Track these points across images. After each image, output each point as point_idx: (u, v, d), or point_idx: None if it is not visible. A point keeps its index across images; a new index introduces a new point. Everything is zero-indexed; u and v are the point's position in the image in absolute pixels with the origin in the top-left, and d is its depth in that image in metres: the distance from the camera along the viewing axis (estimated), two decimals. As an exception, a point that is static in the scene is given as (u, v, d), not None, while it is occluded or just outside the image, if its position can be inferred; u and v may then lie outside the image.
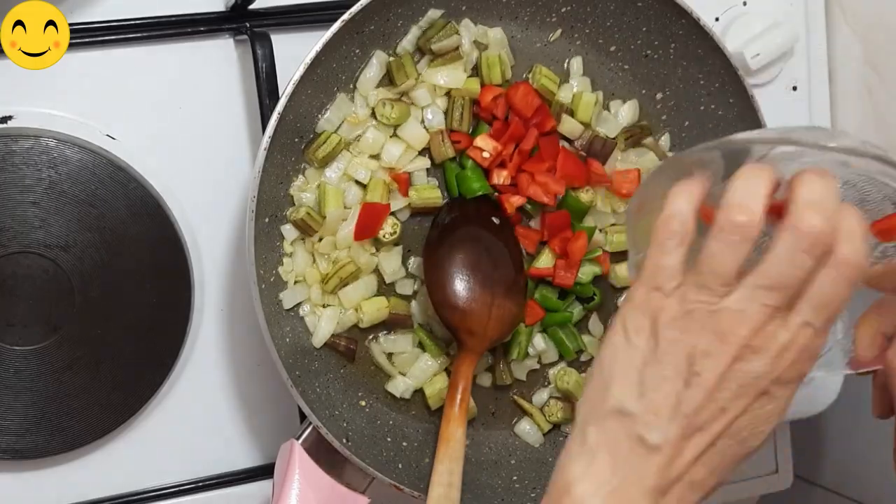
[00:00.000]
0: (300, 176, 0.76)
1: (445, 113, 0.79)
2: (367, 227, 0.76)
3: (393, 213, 0.78)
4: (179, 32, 0.79)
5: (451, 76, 0.78)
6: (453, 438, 0.74)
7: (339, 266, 0.77)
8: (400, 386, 0.80)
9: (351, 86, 0.77)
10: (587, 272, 0.83)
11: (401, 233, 0.78)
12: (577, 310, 0.84)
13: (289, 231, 0.76)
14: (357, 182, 0.77)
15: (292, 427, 0.82)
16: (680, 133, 0.84)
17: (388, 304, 0.79)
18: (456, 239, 0.78)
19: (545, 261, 0.82)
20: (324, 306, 0.78)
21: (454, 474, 0.73)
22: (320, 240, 0.77)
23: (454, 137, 0.79)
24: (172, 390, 0.82)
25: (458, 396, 0.75)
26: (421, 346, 0.81)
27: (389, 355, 0.80)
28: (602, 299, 0.84)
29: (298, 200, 0.76)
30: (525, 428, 0.84)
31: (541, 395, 0.84)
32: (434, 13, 0.77)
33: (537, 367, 0.84)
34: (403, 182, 0.78)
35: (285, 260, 0.77)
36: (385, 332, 0.80)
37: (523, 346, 0.82)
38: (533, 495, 0.81)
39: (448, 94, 0.79)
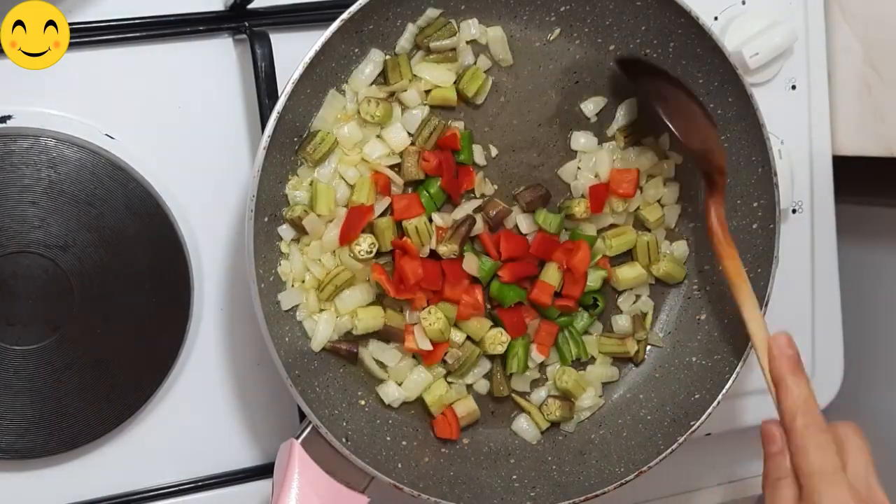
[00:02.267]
0: (295, 174, 0.76)
1: (420, 125, 0.78)
2: (352, 230, 0.76)
3: (374, 233, 0.77)
4: (179, 32, 0.79)
5: (439, 74, 0.78)
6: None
7: (334, 273, 0.77)
8: (391, 394, 0.79)
9: (343, 78, 0.77)
10: (595, 278, 0.83)
11: (377, 252, 0.77)
12: (583, 318, 0.84)
13: (286, 231, 0.76)
14: (347, 182, 0.77)
15: (292, 427, 0.82)
16: (679, 132, 0.84)
17: (384, 314, 0.78)
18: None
19: (550, 275, 0.81)
20: (320, 311, 0.78)
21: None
22: (309, 244, 0.76)
23: (426, 156, 0.78)
24: (172, 390, 0.82)
25: (723, 235, 0.80)
26: (415, 356, 0.80)
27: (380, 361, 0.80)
28: (604, 304, 0.84)
29: (293, 199, 0.76)
30: (522, 425, 0.83)
31: (539, 394, 0.84)
32: (433, 12, 0.77)
33: (538, 376, 0.84)
34: (384, 180, 0.77)
35: (283, 261, 0.77)
36: (376, 338, 0.79)
37: (522, 358, 0.81)
38: (532, 493, 0.80)
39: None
